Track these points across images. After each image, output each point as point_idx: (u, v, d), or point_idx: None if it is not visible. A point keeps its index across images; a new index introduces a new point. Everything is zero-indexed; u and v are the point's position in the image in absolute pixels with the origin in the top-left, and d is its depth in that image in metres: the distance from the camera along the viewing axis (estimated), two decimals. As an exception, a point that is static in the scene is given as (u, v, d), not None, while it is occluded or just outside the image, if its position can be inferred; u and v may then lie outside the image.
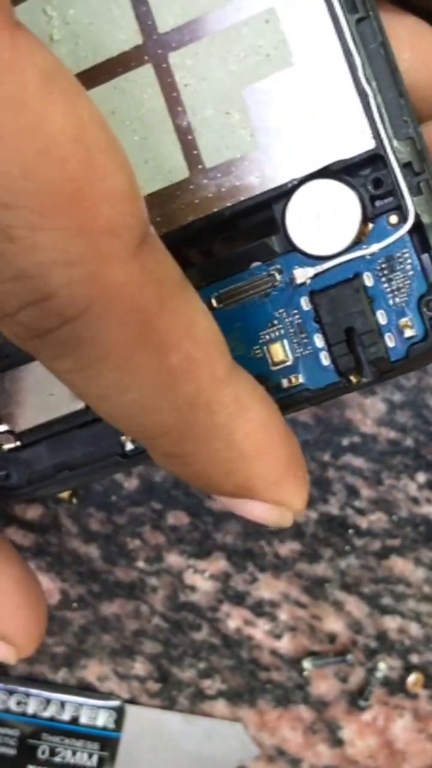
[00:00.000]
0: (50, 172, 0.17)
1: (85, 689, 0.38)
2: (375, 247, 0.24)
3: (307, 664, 0.37)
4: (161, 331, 0.19)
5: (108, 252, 0.18)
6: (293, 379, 0.25)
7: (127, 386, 0.19)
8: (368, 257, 0.24)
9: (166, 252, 0.20)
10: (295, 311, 0.25)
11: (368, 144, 0.24)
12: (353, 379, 0.24)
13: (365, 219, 0.24)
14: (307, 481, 0.23)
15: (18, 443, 0.27)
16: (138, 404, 0.20)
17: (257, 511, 0.23)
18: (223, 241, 0.26)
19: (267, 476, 0.22)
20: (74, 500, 0.36)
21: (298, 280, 0.24)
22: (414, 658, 0.37)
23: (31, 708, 0.38)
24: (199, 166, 0.25)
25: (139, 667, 0.38)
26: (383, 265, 0.24)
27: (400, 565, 0.37)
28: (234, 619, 0.38)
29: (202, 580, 0.37)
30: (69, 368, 0.19)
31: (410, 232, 0.24)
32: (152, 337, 0.19)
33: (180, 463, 0.22)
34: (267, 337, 0.25)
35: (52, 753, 0.38)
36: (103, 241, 0.18)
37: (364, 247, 0.24)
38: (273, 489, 0.22)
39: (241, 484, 0.22)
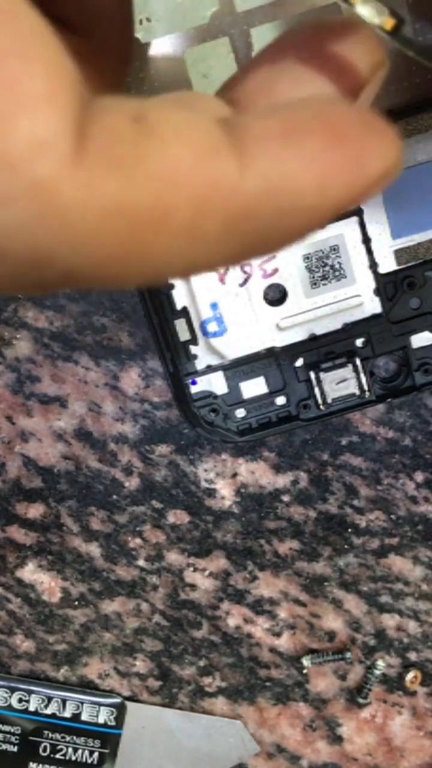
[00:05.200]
0: None
1: (86, 686, 0.38)
2: None
3: (306, 661, 0.38)
4: None
5: None
6: None
7: None
8: None
9: None
10: None
11: None
12: None
13: None
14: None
15: None
16: None
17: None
18: None
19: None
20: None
21: None
22: (412, 656, 0.38)
23: (33, 705, 0.38)
24: None
25: (140, 664, 0.38)
26: None
27: (398, 563, 0.37)
28: (234, 617, 0.38)
29: (202, 578, 0.37)
30: None
31: None
32: None
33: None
34: None
35: (54, 750, 0.38)
36: None
37: None
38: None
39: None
